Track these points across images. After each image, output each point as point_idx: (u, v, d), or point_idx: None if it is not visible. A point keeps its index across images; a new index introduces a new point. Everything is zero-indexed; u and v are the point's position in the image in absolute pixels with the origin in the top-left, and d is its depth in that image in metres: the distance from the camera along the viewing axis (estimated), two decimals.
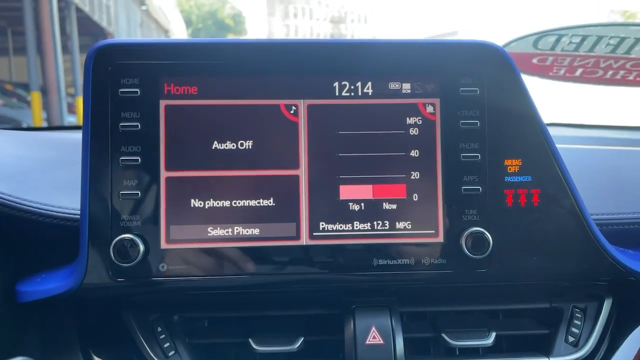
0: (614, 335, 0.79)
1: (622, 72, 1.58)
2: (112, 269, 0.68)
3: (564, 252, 0.73)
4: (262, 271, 0.70)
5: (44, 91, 9.63)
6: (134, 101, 0.69)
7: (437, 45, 0.72)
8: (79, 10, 11.63)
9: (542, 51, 1.57)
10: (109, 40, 0.70)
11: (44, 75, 9.62)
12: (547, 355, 0.76)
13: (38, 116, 9.10)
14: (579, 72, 1.60)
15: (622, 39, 1.50)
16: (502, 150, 0.72)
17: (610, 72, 1.59)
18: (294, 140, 0.71)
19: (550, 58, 1.59)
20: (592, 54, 1.55)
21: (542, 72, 1.62)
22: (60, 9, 10.22)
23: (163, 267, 0.69)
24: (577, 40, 1.53)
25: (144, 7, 18.34)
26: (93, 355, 0.74)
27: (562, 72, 1.61)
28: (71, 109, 10.50)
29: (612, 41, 1.51)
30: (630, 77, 1.61)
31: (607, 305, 0.81)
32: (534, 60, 1.60)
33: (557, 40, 1.54)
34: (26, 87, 10.20)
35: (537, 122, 0.72)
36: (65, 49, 10.18)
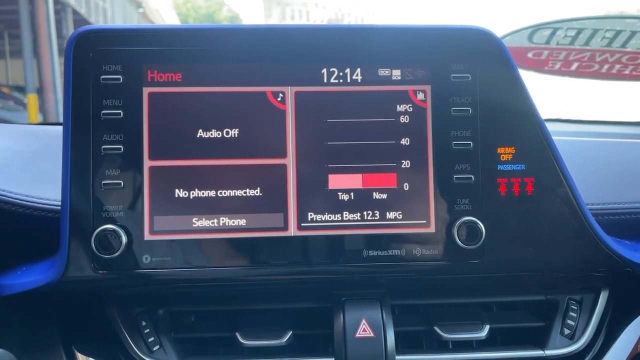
0: (611, 328, 0.77)
1: (618, 66, 1.57)
2: (94, 261, 0.66)
3: (559, 242, 0.71)
4: (249, 263, 0.68)
5: (41, 94, 9.62)
6: (116, 88, 0.67)
7: (427, 30, 0.70)
8: (75, 12, 11.64)
9: (537, 45, 1.56)
10: (90, 26, 0.68)
11: (41, 78, 9.61)
12: (543, 348, 0.75)
13: (34, 118, 9.08)
14: (574, 66, 1.59)
15: (618, 32, 1.49)
16: (495, 138, 0.70)
17: (606, 66, 1.58)
18: (281, 128, 0.70)
19: (546, 52, 1.58)
20: (587, 47, 1.54)
21: (538, 66, 1.61)
22: (57, 12, 10.21)
23: (147, 258, 0.67)
24: (572, 33, 1.52)
25: (140, 10, 18.34)
26: (75, 350, 0.72)
27: (557, 66, 1.60)
28: None
29: (608, 34, 1.50)
30: (627, 71, 1.60)
31: (603, 297, 0.79)
32: (529, 55, 1.59)
33: (553, 34, 1.52)
34: (23, 89, 10.19)
35: (531, 110, 0.70)
36: (62, 52, 10.17)
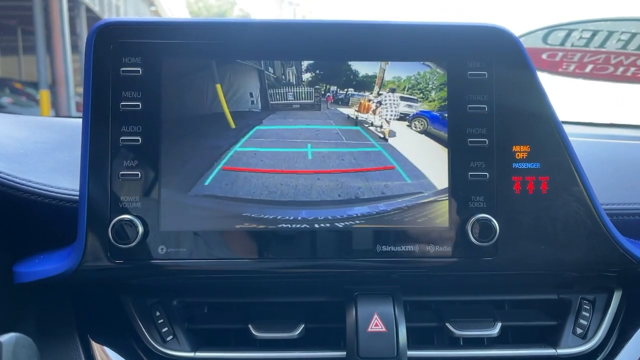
0: (623, 328, 0.77)
1: (632, 68, 1.56)
2: (111, 251, 0.67)
3: (573, 241, 0.71)
4: (263, 255, 0.69)
5: (53, 90, 9.69)
6: (135, 80, 0.68)
7: (445, 28, 0.70)
8: (88, 10, 11.71)
9: (551, 46, 1.55)
10: (111, 19, 0.69)
11: (53, 74, 9.68)
12: (555, 347, 0.74)
13: (46, 114, 9.15)
14: (588, 68, 1.58)
15: (634, 35, 1.48)
16: (510, 136, 0.70)
17: (621, 69, 1.57)
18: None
19: (560, 54, 1.57)
20: (602, 49, 1.53)
21: (552, 68, 1.60)
22: (70, 9, 10.27)
23: (162, 249, 0.68)
24: (587, 35, 1.51)
25: (152, 8, 18.44)
26: (90, 339, 0.73)
27: (571, 68, 1.59)
28: (79, 108, 10.53)
29: (624, 37, 1.49)
30: None
31: (616, 297, 0.79)
32: (544, 56, 1.59)
33: (567, 35, 1.52)
34: (35, 85, 10.26)
35: (547, 108, 0.70)
36: (75, 49, 10.24)
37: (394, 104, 0.71)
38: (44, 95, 9.34)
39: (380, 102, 0.71)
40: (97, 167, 0.67)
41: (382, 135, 0.71)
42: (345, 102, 0.71)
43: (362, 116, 0.71)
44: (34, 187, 0.72)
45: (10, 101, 10.48)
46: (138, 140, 0.68)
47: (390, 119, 0.71)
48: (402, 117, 0.71)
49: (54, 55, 9.54)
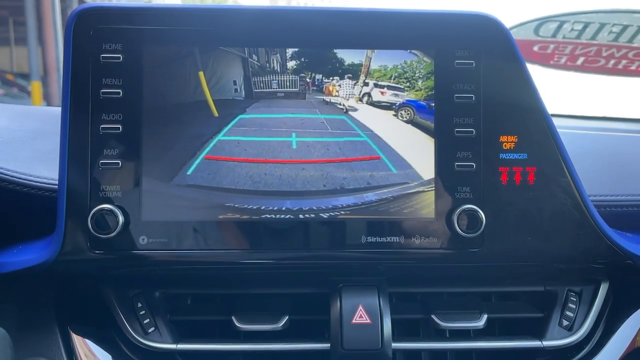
0: (610, 320, 0.77)
1: (624, 61, 1.55)
2: (90, 241, 0.66)
3: (560, 233, 0.70)
4: (247, 246, 0.68)
5: (45, 81, 9.62)
6: (116, 67, 0.67)
7: (432, 16, 0.69)
8: (81, 1, 11.62)
9: (543, 38, 1.54)
10: (91, 4, 0.67)
11: (45, 66, 9.61)
12: (540, 338, 0.74)
13: (38, 105, 9.08)
14: (580, 60, 1.58)
15: (625, 27, 1.47)
16: (498, 126, 0.70)
17: (612, 62, 1.56)
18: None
19: (552, 46, 1.57)
20: (594, 42, 1.53)
21: (543, 60, 1.60)
22: (62, 0, 10.19)
23: (143, 239, 0.67)
24: (579, 27, 1.50)
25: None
26: (70, 331, 0.71)
27: (563, 60, 1.59)
28: None
29: (615, 29, 1.48)
30: (633, 67, 1.58)
31: (603, 289, 0.78)
32: (535, 48, 1.58)
33: (559, 27, 1.51)
34: (27, 77, 10.18)
35: (534, 98, 0.69)
36: None
37: (349, 86, 0.70)
38: (36, 87, 9.28)
39: (340, 85, 0.70)
40: (76, 155, 0.66)
41: (342, 108, 0.70)
42: (321, 89, 0.70)
43: (333, 99, 0.70)
44: (12, 176, 0.71)
45: (2, 92, 10.40)
46: (119, 128, 0.67)
47: (347, 97, 0.70)
48: (389, 107, 0.70)
49: (46, 47, 9.47)
